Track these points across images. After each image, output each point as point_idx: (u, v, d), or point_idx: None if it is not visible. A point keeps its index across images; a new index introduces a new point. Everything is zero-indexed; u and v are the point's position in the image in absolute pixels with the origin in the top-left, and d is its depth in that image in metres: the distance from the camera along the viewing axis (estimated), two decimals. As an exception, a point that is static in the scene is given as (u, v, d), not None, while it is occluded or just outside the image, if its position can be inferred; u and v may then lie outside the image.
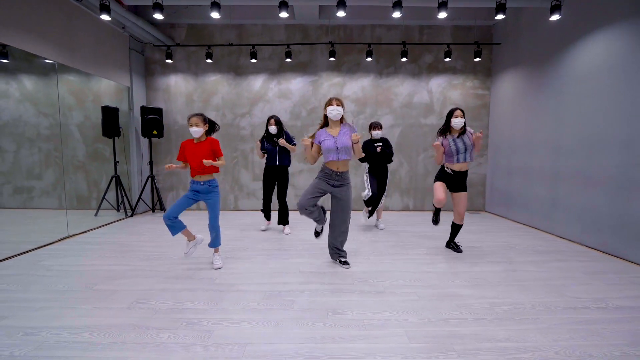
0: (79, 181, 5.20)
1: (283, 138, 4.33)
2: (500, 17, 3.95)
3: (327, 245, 3.49)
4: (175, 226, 3.06)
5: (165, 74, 6.15)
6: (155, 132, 5.66)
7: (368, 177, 4.69)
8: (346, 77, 6.19)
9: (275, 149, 4.41)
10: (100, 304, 2.46)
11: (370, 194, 4.52)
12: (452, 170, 3.57)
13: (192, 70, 6.15)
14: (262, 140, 4.47)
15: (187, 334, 2.07)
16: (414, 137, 6.30)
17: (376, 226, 4.99)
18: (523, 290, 2.77)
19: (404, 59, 5.71)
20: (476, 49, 5.64)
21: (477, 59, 5.72)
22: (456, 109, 3.50)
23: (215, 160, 3.08)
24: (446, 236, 4.44)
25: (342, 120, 3.12)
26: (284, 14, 4.07)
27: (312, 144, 3.14)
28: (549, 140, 4.68)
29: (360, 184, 6.17)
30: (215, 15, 3.97)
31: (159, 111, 5.75)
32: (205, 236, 3.41)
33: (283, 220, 4.64)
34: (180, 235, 3.39)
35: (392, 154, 4.64)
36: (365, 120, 6.21)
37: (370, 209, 4.65)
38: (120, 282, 2.86)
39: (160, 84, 6.17)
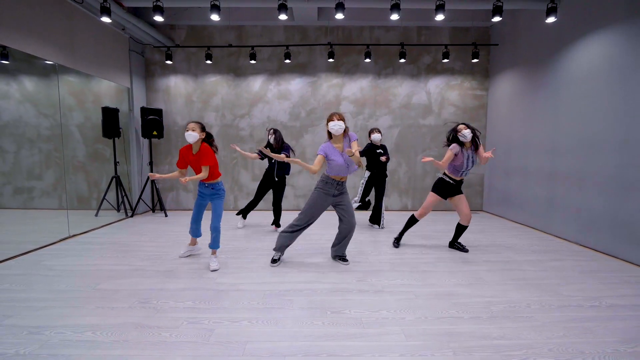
0: (80, 182, 5.23)
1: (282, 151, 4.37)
2: (497, 19, 4.01)
3: (326, 245, 3.53)
4: (195, 230, 3.48)
5: (165, 75, 6.18)
6: (155, 132, 5.69)
7: (363, 187, 4.82)
8: (345, 78, 6.23)
9: (274, 160, 4.48)
10: (102, 303, 2.50)
11: (359, 204, 4.77)
12: (455, 180, 3.67)
13: (191, 71, 6.18)
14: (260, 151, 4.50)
15: (188, 333, 2.11)
16: (412, 138, 6.35)
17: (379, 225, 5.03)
18: (519, 289, 2.82)
19: (402, 60, 5.74)
20: (474, 50, 5.68)
21: (475, 60, 5.76)
22: (460, 124, 3.53)
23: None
24: (443, 236, 4.49)
25: (345, 132, 3.20)
26: (283, 17, 4.09)
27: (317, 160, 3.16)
28: (546, 141, 4.73)
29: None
30: (215, 17, 4.01)
31: (159, 112, 5.78)
32: (205, 237, 3.48)
33: (276, 222, 4.77)
34: (189, 236, 3.86)
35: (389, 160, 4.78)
36: (363, 121, 6.25)
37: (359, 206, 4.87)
38: (121, 282, 2.89)
39: (160, 85, 6.20)
